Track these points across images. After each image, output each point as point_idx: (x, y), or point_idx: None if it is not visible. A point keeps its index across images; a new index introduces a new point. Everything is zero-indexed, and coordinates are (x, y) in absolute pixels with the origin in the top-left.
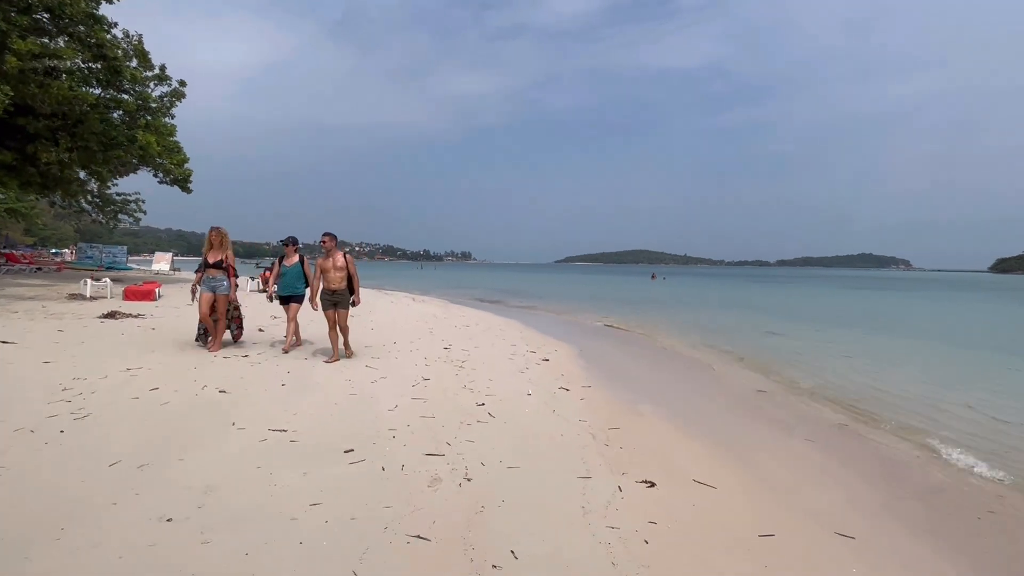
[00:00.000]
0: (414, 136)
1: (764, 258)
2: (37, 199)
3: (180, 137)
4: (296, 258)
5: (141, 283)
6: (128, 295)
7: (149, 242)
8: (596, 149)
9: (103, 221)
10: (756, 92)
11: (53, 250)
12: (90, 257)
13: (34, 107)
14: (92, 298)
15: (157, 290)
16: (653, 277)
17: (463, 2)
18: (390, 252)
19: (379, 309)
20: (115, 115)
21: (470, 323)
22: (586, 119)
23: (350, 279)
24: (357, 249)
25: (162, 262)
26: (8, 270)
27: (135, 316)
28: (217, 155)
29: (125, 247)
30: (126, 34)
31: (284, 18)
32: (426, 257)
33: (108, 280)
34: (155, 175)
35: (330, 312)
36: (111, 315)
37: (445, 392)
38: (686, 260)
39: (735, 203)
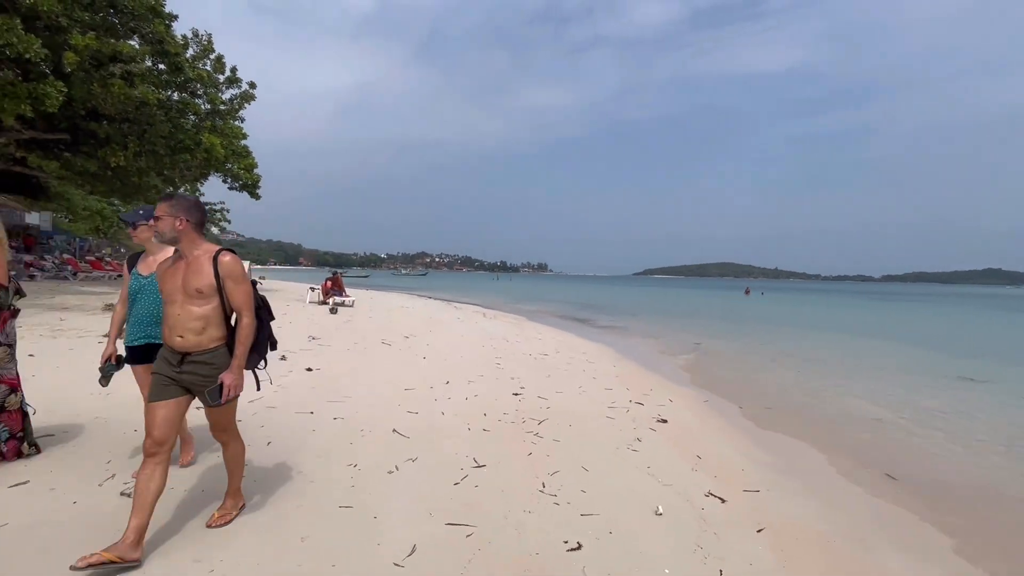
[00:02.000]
0: (493, 150)
1: (867, 272)
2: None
3: (272, 150)
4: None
5: None
6: None
7: (252, 251)
8: (676, 159)
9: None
10: (855, 94)
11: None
12: None
13: (98, 108)
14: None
15: None
16: (747, 292)
17: (543, 18)
18: (468, 263)
19: (442, 327)
20: (188, 118)
21: (548, 350)
22: (666, 128)
23: (229, 326)
24: (437, 260)
25: None
26: (86, 277)
27: None
28: (312, 170)
29: None
30: (195, 33)
31: (374, 42)
32: (502, 268)
33: None
34: (224, 180)
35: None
36: None
37: (506, 504)
38: (777, 273)
39: (831, 213)
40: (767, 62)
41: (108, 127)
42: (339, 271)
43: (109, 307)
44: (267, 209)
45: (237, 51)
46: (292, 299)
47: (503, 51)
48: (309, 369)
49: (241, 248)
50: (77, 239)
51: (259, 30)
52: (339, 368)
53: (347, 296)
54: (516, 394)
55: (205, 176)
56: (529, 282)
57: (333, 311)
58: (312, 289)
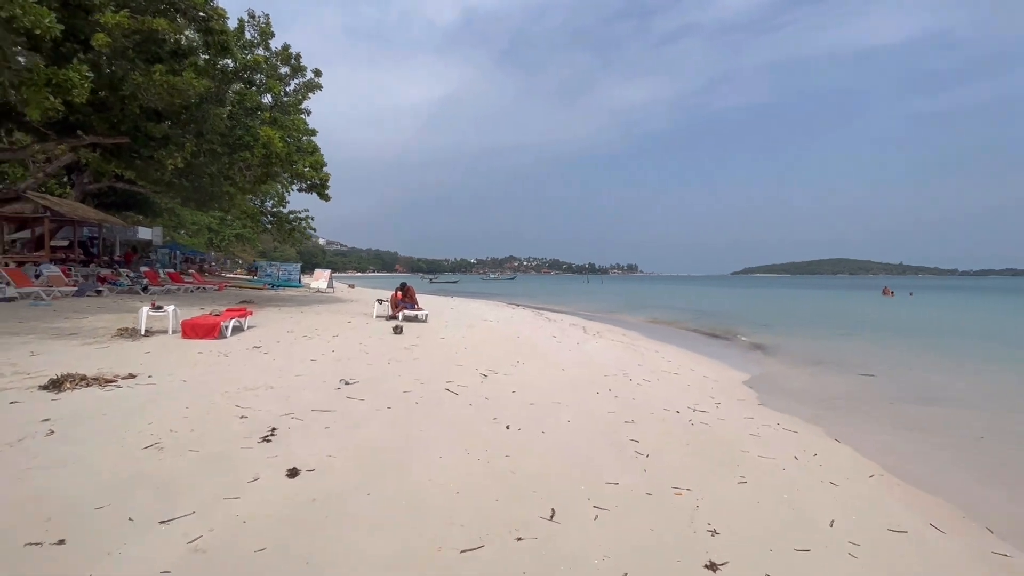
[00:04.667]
0: (578, 151)
1: (1017, 265)
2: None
3: (368, 163)
4: None
5: (220, 311)
6: (187, 331)
7: (354, 260)
8: (775, 149)
9: (279, 240)
10: (996, 63)
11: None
12: (269, 275)
13: (141, 100)
14: (147, 333)
15: (230, 323)
16: (888, 292)
17: (625, 13)
18: (556, 266)
19: (534, 354)
20: (247, 112)
21: (700, 398)
22: (763, 117)
23: None
24: (525, 263)
25: (320, 279)
26: (168, 290)
27: (108, 383)
28: (406, 181)
29: (298, 265)
30: (251, 15)
31: (459, 54)
32: (591, 270)
33: (171, 309)
34: (291, 181)
35: None
36: (58, 383)
37: None
38: (902, 269)
39: (966, 200)
40: (883, 34)
41: (166, 127)
42: (431, 277)
43: (123, 333)
44: (367, 220)
45: (335, 74)
46: (360, 312)
47: (585, 51)
48: (293, 473)
49: (344, 257)
50: (179, 251)
51: (354, 52)
52: (351, 466)
53: (419, 309)
54: (712, 567)
55: (268, 176)
56: (621, 284)
57: (397, 331)
58: (380, 301)
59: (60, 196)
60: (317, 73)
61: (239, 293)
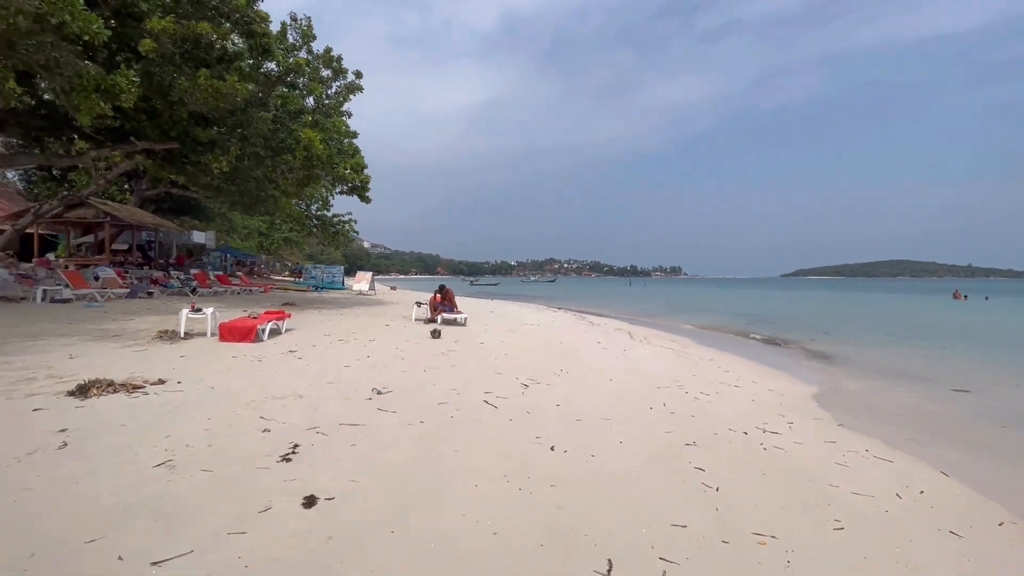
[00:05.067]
0: (620, 152)
1: None
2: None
3: (411, 167)
4: None
5: (258, 313)
6: (224, 334)
7: (397, 263)
8: (830, 146)
9: (324, 243)
10: None
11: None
12: (314, 277)
13: (187, 104)
14: (186, 335)
15: (267, 326)
16: (959, 296)
17: (669, 11)
18: (596, 268)
19: (578, 361)
20: (290, 115)
21: (768, 417)
22: (816, 114)
23: None
24: (565, 266)
25: (362, 282)
26: (215, 292)
27: (136, 389)
28: (447, 185)
29: (342, 267)
30: (294, 18)
31: (500, 58)
32: (633, 272)
33: (210, 312)
34: (333, 184)
35: None
36: (85, 389)
37: None
38: (971, 271)
39: None
40: (951, 21)
41: (213, 132)
42: (472, 279)
43: (163, 336)
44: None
45: (379, 82)
46: (399, 315)
47: (628, 50)
48: (310, 502)
49: (387, 260)
50: (231, 254)
51: (399, 62)
52: (375, 494)
53: (458, 312)
54: None
55: (310, 179)
56: (665, 287)
57: (435, 335)
58: (419, 304)
59: (120, 202)
60: (358, 75)
61: (283, 295)
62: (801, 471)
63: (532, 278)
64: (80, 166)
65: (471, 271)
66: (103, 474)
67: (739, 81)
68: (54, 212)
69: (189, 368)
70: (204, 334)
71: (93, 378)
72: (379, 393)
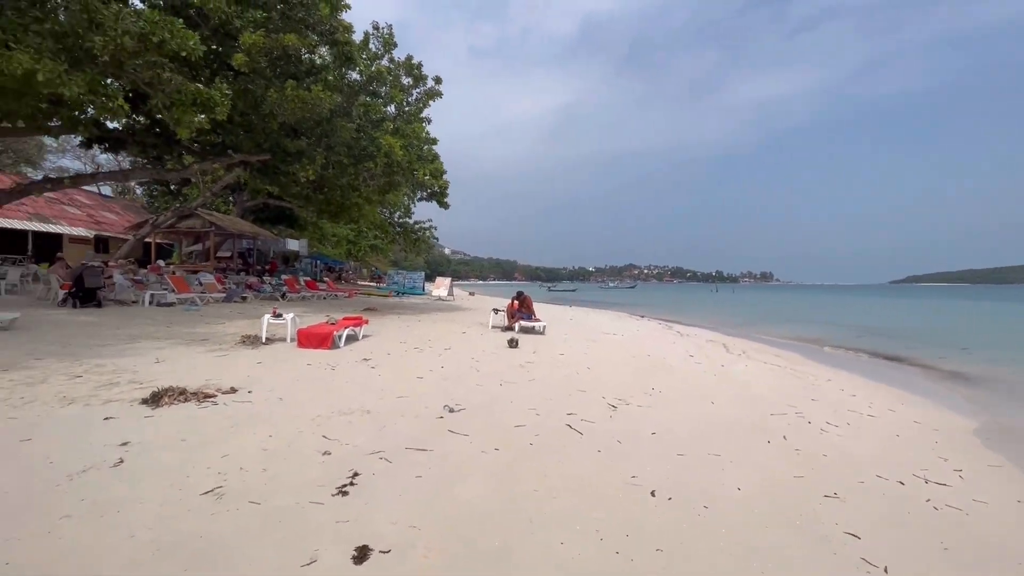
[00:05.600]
0: (705, 153)
1: None
2: (378, 235)
3: (489, 174)
4: None
5: (336, 319)
6: (302, 340)
7: (475, 268)
8: (944, 138)
9: (406, 250)
10: None
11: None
12: (396, 283)
13: (275, 114)
14: (267, 340)
15: (343, 332)
16: None
17: (757, 2)
18: (679, 274)
19: (671, 379)
20: (372, 123)
21: (935, 462)
22: (928, 103)
23: None
24: (645, 271)
25: (441, 287)
26: (303, 297)
27: (206, 398)
28: (525, 191)
29: (422, 273)
30: (376, 27)
31: (578, 64)
32: (719, 278)
33: (290, 317)
34: (413, 190)
35: None
36: (157, 398)
37: None
38: None
39: None
40: None
41: (301, 142)
42: (549, 285)
43: (246, 340)
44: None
45: (462, 94)
46: (476, 321)
47: (713, 47)
48: (362, 555)
49: (466, 266)
50: (321, 261)
51: (478, 72)
52: (438, 548)
53: (536, 320)
54: None
55: (391, 185)
56: (755, 294)
57: (512, 344)
58: (496, 311)
59: (224, 213)
60: (437, 80)
61: (365, 300)
62: (997, 547)
63: (611, 284)
64: (192, 180)
65: (548, 276)
66: (148, 501)
67: (838, 72)
68: (168, 223)
69: (263, 376)
70: (284, 339)
71: (168, 386)
72: (451, 411)
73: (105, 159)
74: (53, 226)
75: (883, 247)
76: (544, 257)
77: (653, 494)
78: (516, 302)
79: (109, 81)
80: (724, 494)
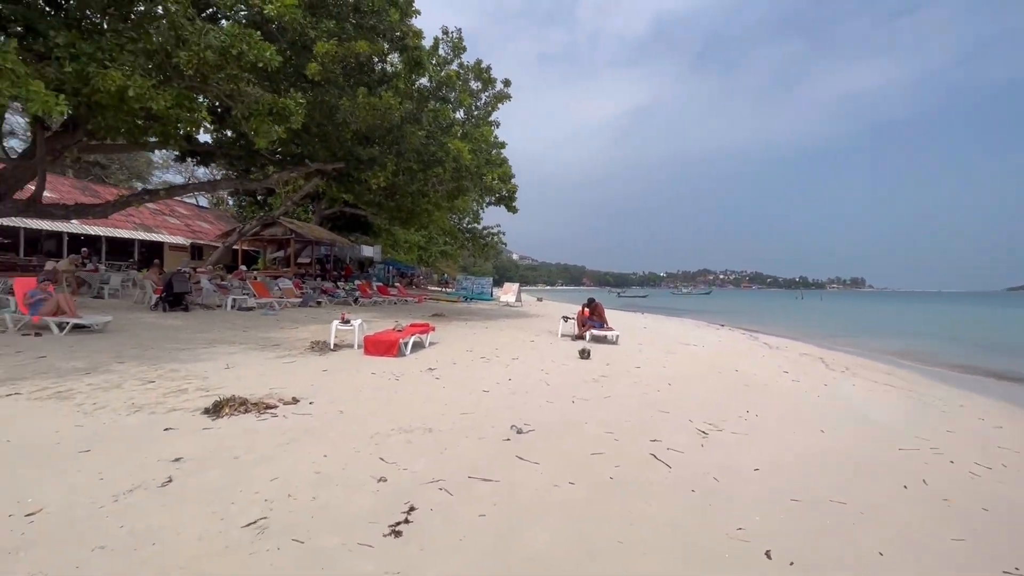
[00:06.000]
0: (787, 151)
1: None
2: (448, 241)
3: (557, 180)
4: None
5: (403, 326)
6: (368, 347)
7: (544, 274)
8: None
9: (475, 255)
10: None
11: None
12: (464, 288)
13: (347, 122)
14: (335, 347)
15: (410, 340)
16: None
17: None
18: (758, 279)
19: (771, 399)
20: (441, 128)
21: None
22: None
23: None
24: (721, 277)
25: (509, 293)
26: (375, 302)
27: (267, 410)
28: (593, 196)
29: (491, 279)
30: (445, 32)
31: (649, 64)
32: (803, 284)
33: (357, 323)
34: (481, 195)
35: None
36: (219, 408)
37: None
38: None
39: None
40: None
41: (373, 150)
42: (619, 291)
43: (315, 347)
44: (557, 234)
45: (531, 100)
46: (545, 329)
47: (796, 37)
48: None
49: (534, 271)
50: (393, 267)
51: (547, 77)
52: None
53: (609, 329)
54: None
55: (459, 190)
56: (846, 301)
57: (584, 355)
58: (565, 319)
59: (304, 221)
60: (506, 83)
61: (434, 306)
62: None
63: (684, 290)
64: (275, 190)
65: (618, 282)
66: (186, 532)
67: (939, 59)
68: (253, 231)
69: (326, 385)
70: (351, 346)
71: (230, 396)
72: (519, 432)
73: (202, 173)
74: (155, 235)
75: (998, 249)
76: (613, 262)
77: (768, 555)
78: (587, 309)
79: (200, 100)
80: (864, 562)
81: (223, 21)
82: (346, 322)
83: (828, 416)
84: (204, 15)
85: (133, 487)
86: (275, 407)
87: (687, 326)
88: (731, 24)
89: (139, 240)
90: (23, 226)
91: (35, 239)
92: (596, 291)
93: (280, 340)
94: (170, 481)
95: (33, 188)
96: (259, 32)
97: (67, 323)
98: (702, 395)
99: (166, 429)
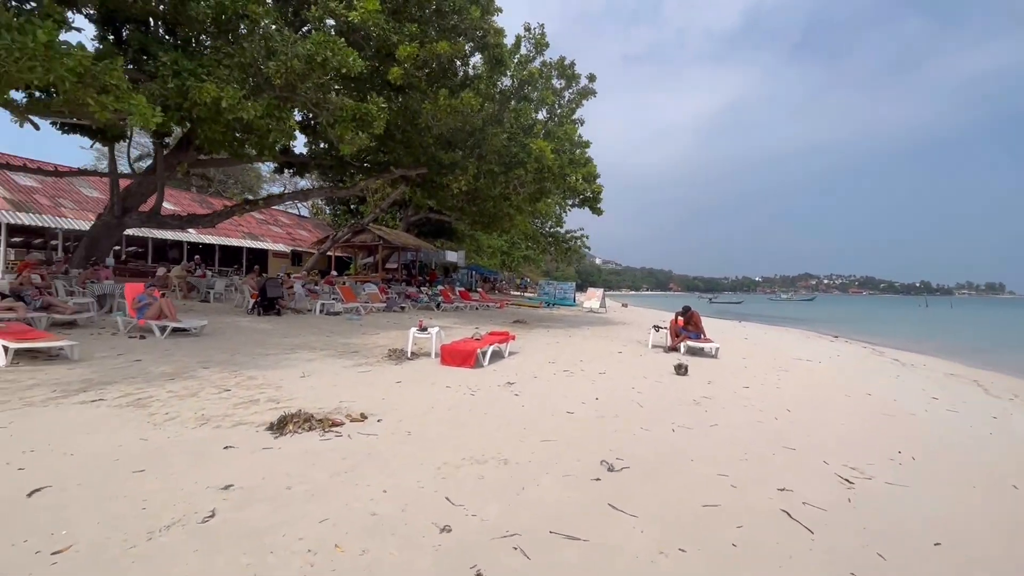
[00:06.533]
0: (898, 142)
1: None
2: (530, 246)
3: (641, 182)
4: None
5: (482, 334)
6: (445, 357)
7: (628, 279)
8: None
9: (557, 260)
10: None
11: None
12: (547, 293)
13: (428, 126)
14: (412, 355)
15: (488, 350)
16: None
17: None
18: (869, 284)
19: (916, 439)
20: (522, 128)
21: None
22: None
23: None
24: (825, 281)
25: (593, 299)
26: (457, 307)
27: (332, 427)
28: (679, 197)
29: (573, 284)
30: (527, 28)
31: (741, 57)
32: (925, 289)
33: (434, 331)
34: (564, 197)
35: None
36: (283, 424)
37: None
38: None
39: None
40: None
41: (455, 155)
42: (710, 297)
43: (392, 355)
44: (641, 238)
45: (614, 101)
46: (632, 338)
47: (913, 16)
48: None
49: (618, 276)
50: (477, 272)
51: (632, 78)
52: None
53: (707, 340)
54: None
55: (541, 193)
56: (983, 309)
57: (680, 371)
58: (657, 328)
59: (391, 227)
60: (591, 78)
61: (515, 312)
62: None
63: (783, 295)
64: (367, 199)
65: (707, 287)
66: None
67: None
68: (345, 238)
69: (397, 400)
70: (428, 355)
71: (295, 411)
72: (611, 469)
73: (303, 185)
74: (260, 243)
75: None
76: (701, 266)
77: None
78: (681, 318)
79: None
80: None
81: (312, 33)
82: (423, 329)
83: (1013, 462)
84: (300, 33)
85: (173, 522)
86: (341, 424)
87: (794, 337)
88: (836, 8)
89: (247, 248)
90: (151, 236)
91: (161, 247)
92: (684, 297)
93: (359, 347)
94: (212, 516)
95: (153, 201)
96: (344, 40)
97: (167, 326)
98: (833, 426)
99: (226, 447)
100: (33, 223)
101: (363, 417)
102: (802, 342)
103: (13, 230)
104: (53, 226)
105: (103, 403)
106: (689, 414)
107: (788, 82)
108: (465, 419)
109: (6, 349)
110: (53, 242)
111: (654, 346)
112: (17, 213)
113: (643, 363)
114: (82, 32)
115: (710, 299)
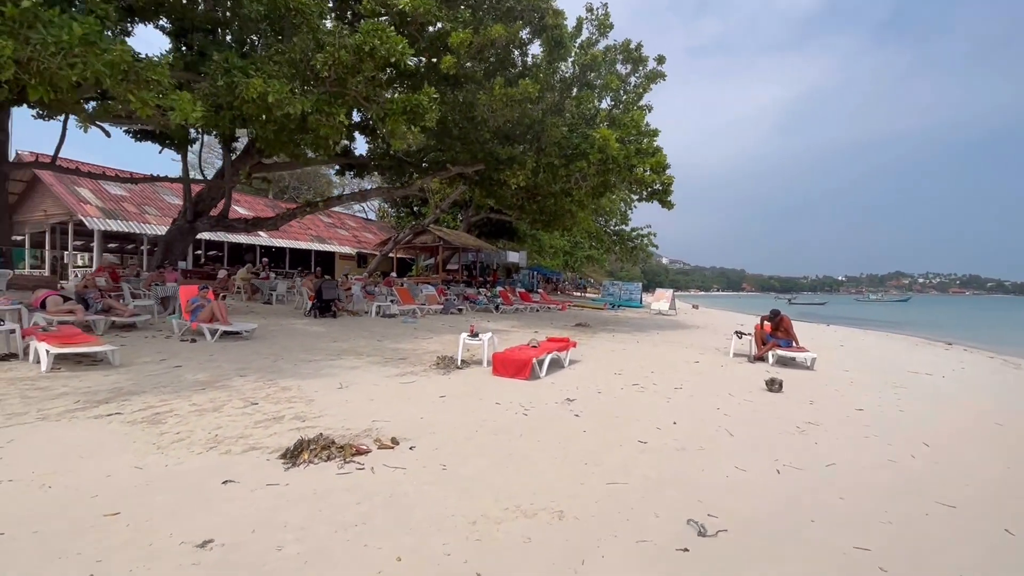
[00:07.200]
0: (1004, 124)
1: None
2: (593, 245)
3: (710, 179)
4: None
5: (539, 341)
6: (497, 366)
7: (697, 279)
8: None
9: (622, 259)
10: None
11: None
12: (611, 294)
13: (484, 119)
14: (462, 363)
15: (545, 359)
16: None
17: None
18: (973, 283)
19: None
20: (584, 118)
21: None
22: None
23: None
24: (920, 281)
25: (661, 300)
26: (516, 309)
27: (355, 456)
28: (752, 193)
29: (639, 284)
30: (589, 9)
31: (819, 42)
32: None
33: (486, 338)
34: (631, 190)
35: None
36: (298, 451)
37: None
38: None
39: None
40: None
41: (513, 149)
42: (789, 297)
43: (440, 363)
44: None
45: (679, 95)
46: (709, 344)
47: None
48: None
49: (686, 276)
50: (538, 272)
51: (697, 71)
52: None
53: (801, 349)
54: None
55: (605, 186)
56: None
57: (772, 387)
58: (739, 335)
59: (452, 228)
60: (660, 60)
61: (578, 314)
62: None
63: (872, 296)
64: (428, 200)
65: (784, 287)
66: None
67: None
68: (406, 239)
69: (437, 420)
70: (480, 362)
71: (315, 436)
72: (701, 534)
73: (369, 186)
74: (327, 245)
75: None
76: (776, 265)
77: None
78: (768, 323)
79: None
80: None
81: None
82: (474, 335)
83: None
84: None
85: None
86: (366, 452)
87: (898, 343)
88: None
89: (315, 251)
90: (226, 240)
91: (236, 251)
92: (758, 297)
93: (408, 353)
94: None
95: (222, 205)
96: (394, 30)
97: (218, 330)
98: (997, 470)
99: (224, 482)
100: (121, 229)
101: (394, 443)
102: (911, 350)
103: (109, 236)
104: (139, 232)
105: (118, 417)
106: (794, 447)
107: (874, 65)
108: (513, 448)
109: (48, 354)
110: (142, 247)
111: (735, 355)
112: (108, 221)
113: (726, 376)
114: (132, 34)
115: (789, 299)
